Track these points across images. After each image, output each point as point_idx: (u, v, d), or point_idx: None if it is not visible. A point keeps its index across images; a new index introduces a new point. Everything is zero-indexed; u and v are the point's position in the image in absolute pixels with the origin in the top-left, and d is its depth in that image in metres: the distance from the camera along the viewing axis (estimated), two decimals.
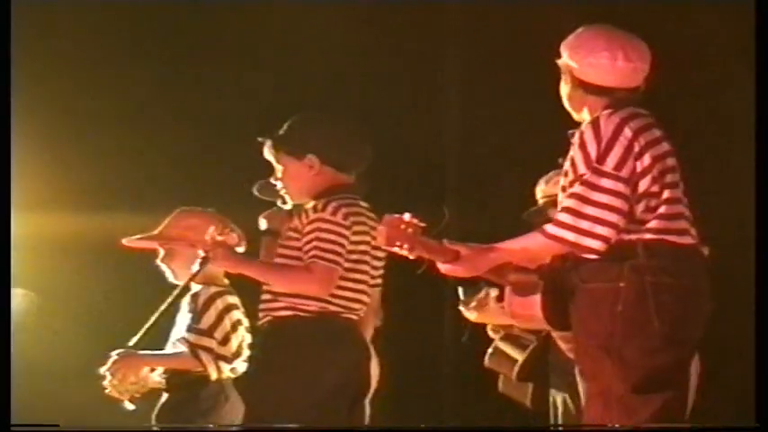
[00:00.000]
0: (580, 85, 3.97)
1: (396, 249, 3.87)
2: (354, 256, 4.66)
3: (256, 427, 4.17)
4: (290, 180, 4.76)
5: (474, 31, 7.98)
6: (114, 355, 5.08)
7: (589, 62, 3.93)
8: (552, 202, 4.45)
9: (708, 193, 5.49)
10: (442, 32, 8.10)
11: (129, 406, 5.15)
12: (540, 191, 5.20)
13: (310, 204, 4.68)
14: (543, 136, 5.14)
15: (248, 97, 7.62)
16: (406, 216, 3.86)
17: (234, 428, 4.52)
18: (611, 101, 3.91)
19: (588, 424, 3.81)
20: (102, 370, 5.07)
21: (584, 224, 3.74)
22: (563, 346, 4.74)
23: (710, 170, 6.66)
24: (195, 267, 4.67)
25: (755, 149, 4.89)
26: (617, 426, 3.66)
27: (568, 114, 4.08)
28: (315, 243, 4.55)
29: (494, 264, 4.01)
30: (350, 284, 4.67)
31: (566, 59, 3.99)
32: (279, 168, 4.78)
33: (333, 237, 4.57)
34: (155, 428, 5.14)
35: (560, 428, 3.74)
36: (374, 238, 4.37)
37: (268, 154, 4.79)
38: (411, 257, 3.90)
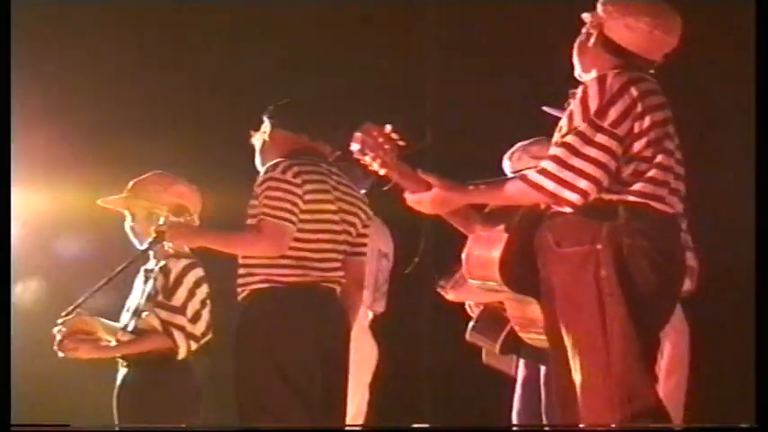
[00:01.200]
0: (604, 42, 3.86)
1: (367, 160, 3.75)
2: (318, 217, 4.55)
3: (256, 427, 4.17)
4: (257, 152, 4.76)
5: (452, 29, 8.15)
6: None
7: (626, 22, 3.83)
8: None
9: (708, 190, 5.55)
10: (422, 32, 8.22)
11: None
12: (507, 167, 5.11)
13: (263, 167, 4.64)
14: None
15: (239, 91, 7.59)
16: (387, 127, 3.75)
17: (234, 428, 4.50)
18: (625, 64, 3.82)
19: (589, 424, 3.71)
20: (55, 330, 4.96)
21: (568, 175, 3.64)
22: (514, 311, 4.22)
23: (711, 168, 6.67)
24: (145, 245, 4.74)
25: (756, 149, 4.87)
26: (617, 426, 3.62)
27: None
28: (263, 201, 4.46)
29: (466, 202, 3.91)
30: (322, 250, 4.57)
31: (600, 13, 3.87)
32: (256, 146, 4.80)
33: (280, 194, 4.45)
34: (155, 428, 5.03)
35: (560, 428, 3.69)
36: (338, 202, 4.54)
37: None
38: (381, 173, 3.78)
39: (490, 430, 3.20)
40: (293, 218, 4.46)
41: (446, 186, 3.80)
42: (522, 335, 4.22)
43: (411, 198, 3.84)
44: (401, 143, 3.71)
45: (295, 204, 4.47)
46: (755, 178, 4.77)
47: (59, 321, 4.94)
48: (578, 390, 3.76)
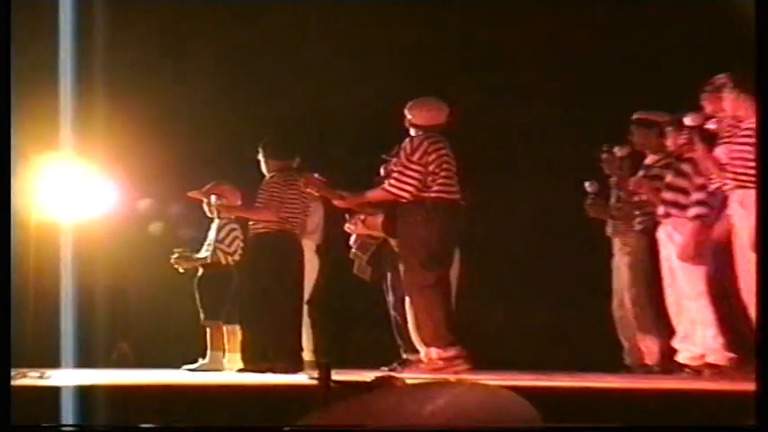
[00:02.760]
0: (411, 125, 7.67)
1: (310, 191, 8.19)
2: (292, 198, 8.22)
3: (256, 427, 4.20)
4: (263, 165, 8.56)
5: None
6: None
7: (423, 115, 7.62)
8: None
9: None
10: None
11: None
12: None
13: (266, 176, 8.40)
14: None
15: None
16: (316, 175, 8.18)
17: (234, 428, 4.55)
18: (423, 131, 7.60)
19: (588, 424, 4.00)
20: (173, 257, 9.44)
21: (401, 185, 7.40)
22: (393, 243, 8.15)
23: None
24: (212, 234, 9.37)
25: (756, 149, 4.93)
26: (617, 426, 3.92)
27: None
28: (265, 193, 8.25)
29: (361, 201, 7.97)
30: (293, 214, 8.25)
31: (407, 115, 7.66)
32: None
33: (273, 189, 8.22)
34: (155, 428, 5.19)
35: (560, 429, 3.76)
36: (302, 188, 8.20)
37: None
38: (317, 195, 8.37)
39: (491, 430, 3.20)
40: (278, 200, 8.17)
41: (351, 196, 8.04)
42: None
43: (337, 202, 8.24)
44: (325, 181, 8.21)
45: (282, 194, 8.20)
46: (756, 178, 4.84)
47: (176, 254, 9.38)
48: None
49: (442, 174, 7.29)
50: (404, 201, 7.32)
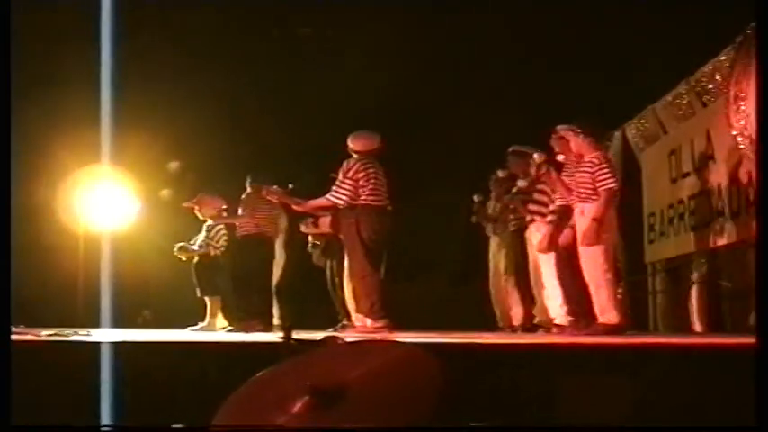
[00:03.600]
0: (351, 151, 7.34)
1: (270, 198, 8.16)
2: (263, 207, 8.41)
3: (255, 427, 4.11)
4: (246, 193, 8.73)
5: None
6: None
7: (359, 143, 7.36)
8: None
9: None
10: None
11: None
12: None
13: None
14: None
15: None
16: (275, 186, 8.15)
17: (234, 428, 4.46)
18: (359, 155, 7.31)
19: (588, 424, 3.62)
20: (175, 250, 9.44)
21: (337, 195, 7.22)
22: (340, 238, 7.70)
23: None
24: (203, 232, 9.31)
25: (756, 150, 4.62)
26: (617, 426, 3.58)
27: None
28: (248, 207, 8.48)
29: (312, 206, 7.73)
30: (261, 218, 8.44)
31: (348, 143, 7.36)
32: None
33: (248, 201, 8.46)
34: (155, 428, 5.06)
35: (560, 428, 3.63)
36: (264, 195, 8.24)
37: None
38: (276, 201, 8.21)
39: (491, 429, 3.14)
40: (252, 209, 8.43)
41: (304, 202, 7.76)
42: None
43: (295, 207, 7.98)
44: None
45: (255, 206, 8.44)
46: (756, 178, 4.40)
47: (177, 246, 9.37)
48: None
49: (370, 186, 7.16)
50: (340, 206, 7.27)
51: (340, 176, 7.25)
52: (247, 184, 8.62)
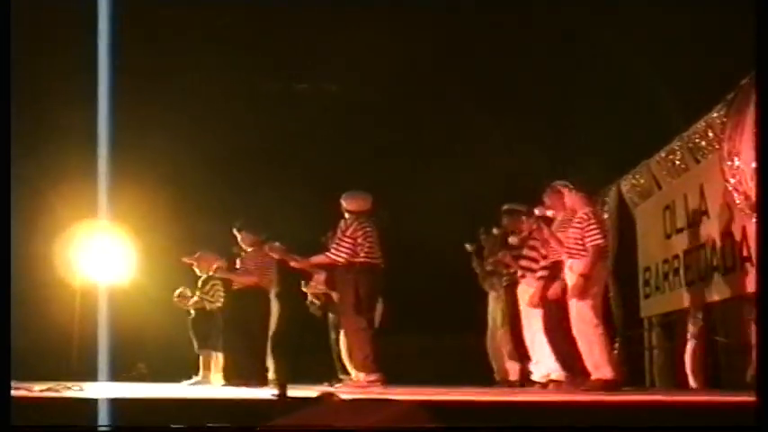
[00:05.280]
0: (345, 210, 7.47)
1: (272, 254, 8.14)
2: (264, 264, 8.45)
3: (254, 427, 4.12)
4: (240, 240, 8.82)
5: None
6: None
7: (353, 203, 7.49)
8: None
9: None
10: None
11: None
12: None
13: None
14: None
15: None
16: (276, 243, 8.05)
17: (233, 428, 4.47)
18: (353, 214, 7.42)
19: (588, 424, 3.67)
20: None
21: (337, 253, 7.32)
22: (334, 296, 8.28)
23: None
24: (199, 286, 9.54)
25: (756, 149, 4.70)
26: (616, 426, 3.62)
27: None
28: (246, 263, 8.53)
29: (309, 264, 7.94)
30: (262, 274, 8.43)
31: (342, 203, 7.49)
32: None
33: (251, 258, 8.50)
34: (155, 428, 5.06)
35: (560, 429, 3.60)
36: (267, 252, 8.23)
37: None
38: (277, 258, 8.17)
39: (492, 429, 3.11)
40: (254, 267, 8.47)
41: (304, 260, 7.88)
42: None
43: (293, 264, 8.04)
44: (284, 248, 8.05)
45: (257, 262, 8.46)
46: (756, 178, 4.57)
47: (177, 292, 9.74)
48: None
49: (367, 245, 7.32)
50: (340, 264, 7.38)
51: (338, 235, 7.42)
52: (235, 231, 8.72)
